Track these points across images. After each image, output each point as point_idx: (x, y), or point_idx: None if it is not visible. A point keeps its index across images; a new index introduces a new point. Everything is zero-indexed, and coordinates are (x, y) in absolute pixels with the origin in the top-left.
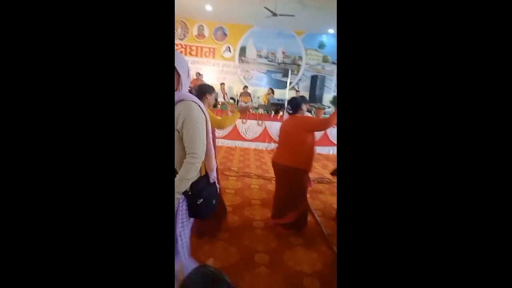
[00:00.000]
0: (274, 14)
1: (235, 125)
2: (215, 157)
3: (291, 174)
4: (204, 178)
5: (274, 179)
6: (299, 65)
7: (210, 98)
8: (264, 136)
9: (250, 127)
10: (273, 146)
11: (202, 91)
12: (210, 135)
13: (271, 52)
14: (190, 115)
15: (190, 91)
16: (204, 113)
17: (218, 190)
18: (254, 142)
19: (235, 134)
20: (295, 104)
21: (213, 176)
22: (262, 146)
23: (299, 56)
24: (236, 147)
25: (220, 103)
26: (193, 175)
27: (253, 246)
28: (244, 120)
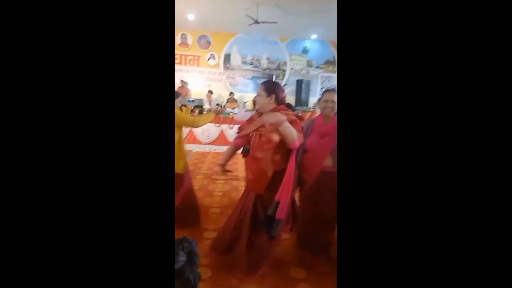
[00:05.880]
0: (256, 22)
1: (222, 131)
2: None
3: None
4: None
5: None
6: (284, 70)
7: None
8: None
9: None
10: None
11: None
12: None
13: (255, 58)
14: None
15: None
16: None
17: None
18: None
19: (222, 140)
20: None
21: None
22: None
23: (283, 62)
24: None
25: (206, 110)
26: None
27: None
28: (231, 126)
